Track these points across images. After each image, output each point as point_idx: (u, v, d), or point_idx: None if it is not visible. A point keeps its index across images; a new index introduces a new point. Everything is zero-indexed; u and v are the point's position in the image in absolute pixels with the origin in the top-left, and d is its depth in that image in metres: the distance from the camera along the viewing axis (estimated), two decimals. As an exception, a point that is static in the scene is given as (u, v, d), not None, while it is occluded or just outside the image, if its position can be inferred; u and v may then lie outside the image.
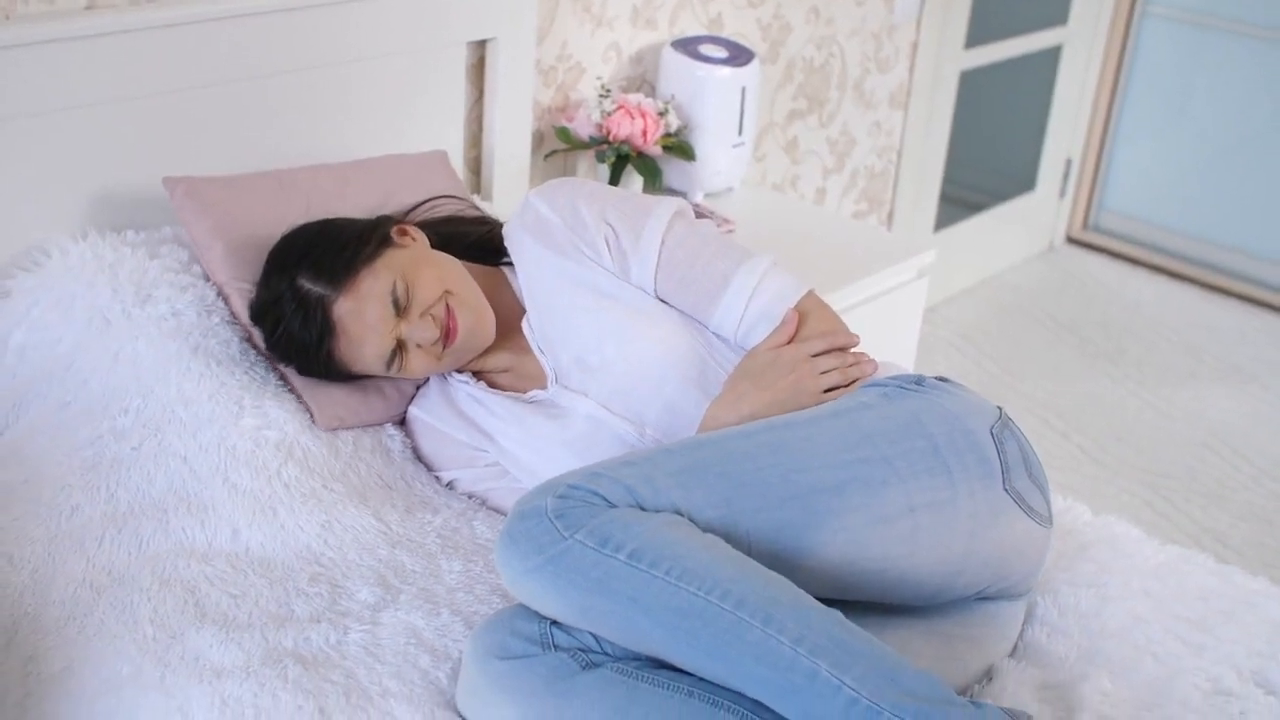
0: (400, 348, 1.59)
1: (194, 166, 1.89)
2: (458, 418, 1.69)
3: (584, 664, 1.25)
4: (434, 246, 1.71)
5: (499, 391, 1.68)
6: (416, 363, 1.60)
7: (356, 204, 1.85)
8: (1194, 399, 3.39)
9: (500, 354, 1.70)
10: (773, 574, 1.26)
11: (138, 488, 1.56)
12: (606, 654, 1.26)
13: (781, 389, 1.53)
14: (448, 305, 1.59)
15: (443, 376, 1.73)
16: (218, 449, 1.58)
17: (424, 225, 1.77)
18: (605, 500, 1.26)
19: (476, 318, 1.62)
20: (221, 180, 1.81)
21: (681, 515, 1.29)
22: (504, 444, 1.65)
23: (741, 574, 1.23)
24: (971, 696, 1.41)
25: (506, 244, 1.71)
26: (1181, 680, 1.42)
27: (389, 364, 1.60)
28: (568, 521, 1.23)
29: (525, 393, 1.67)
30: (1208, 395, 3.41)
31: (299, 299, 1.57)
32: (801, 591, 1.25)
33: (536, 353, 1.66)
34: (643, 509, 1.27)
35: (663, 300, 1.63)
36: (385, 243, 1.63)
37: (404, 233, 1.67)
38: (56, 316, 1.68)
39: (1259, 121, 3.90)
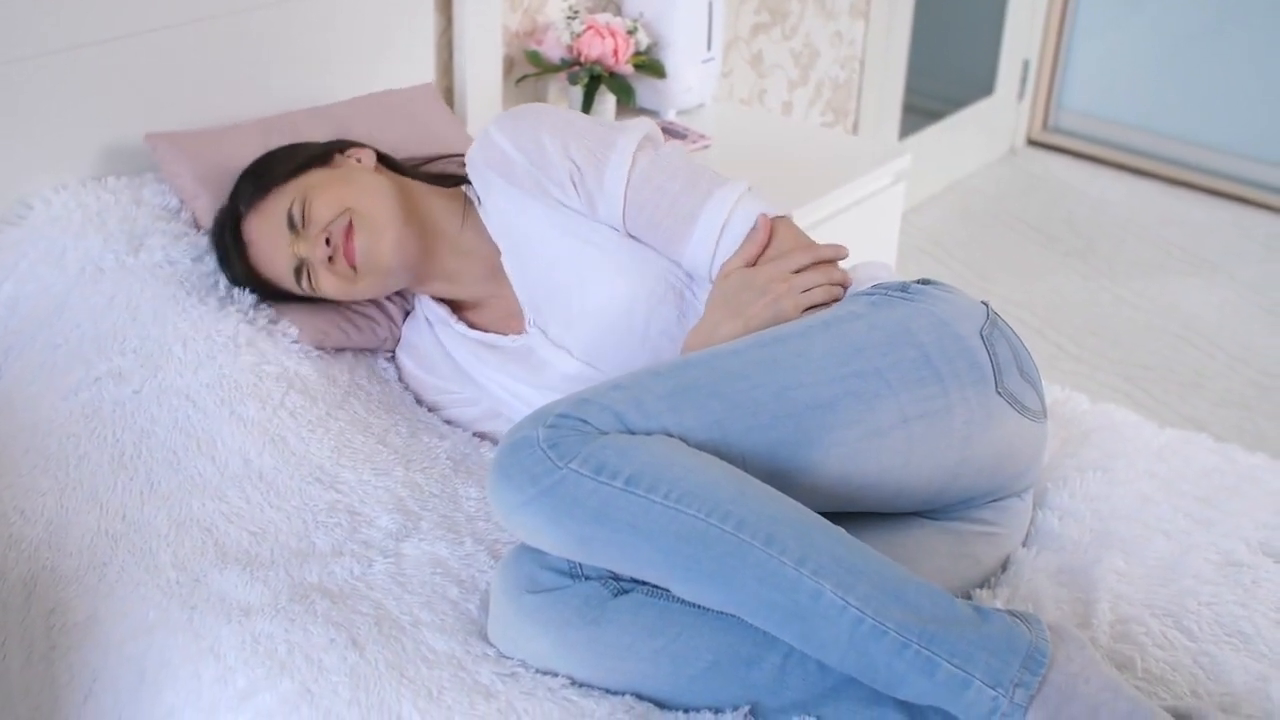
0: (307, 265, 1.59)
1: (166, 108, 1.85)
2: (444, 360, 1.68)
3: (615, 591, 1.24)
4: (400, 173, 1.70)
5: (479, 332, 1.66)
6: (326, 283, 1.60)
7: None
8: (1165, 292, 3.42)
9: (476, 286, 1.67)
10: (772, 491, 1.23)
11: (143, 429, 1.54)
12: (635, 579, 1.25)
13: (755, 314, 1.47)
14: (349, 222, 1.57)
15: (426, 320, 1.71)
16: (220, 384, 1.57)
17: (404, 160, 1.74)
18: (595, 428, 1.23)
19: (375, 237, 1.57)
20: (205, 134, 1.78)
21: (673, 438, 1.25)
22: (490, 388, 1.64)
23: (741, 493, 1.20)
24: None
25: (471, 179, 1.65)
26: (1193, 555, 1.45)
27: (298, 281, 1.61)
28: (561, 451, 1.20)
29: (506, 334, 1.65)
30: (1178, 287, 3.45)
31: (231, 217, 1.64)
32: (803, 508, 1.23)
33: (516, 289, 1.63)
34: (632, 434, 1.23)
35: (634, 237, 1.57)
36: (316, 163, 1.63)
37: (348, 153, 1.66)
38: (47, 268, 1.66)
39: (1212, 13, 3.91)
